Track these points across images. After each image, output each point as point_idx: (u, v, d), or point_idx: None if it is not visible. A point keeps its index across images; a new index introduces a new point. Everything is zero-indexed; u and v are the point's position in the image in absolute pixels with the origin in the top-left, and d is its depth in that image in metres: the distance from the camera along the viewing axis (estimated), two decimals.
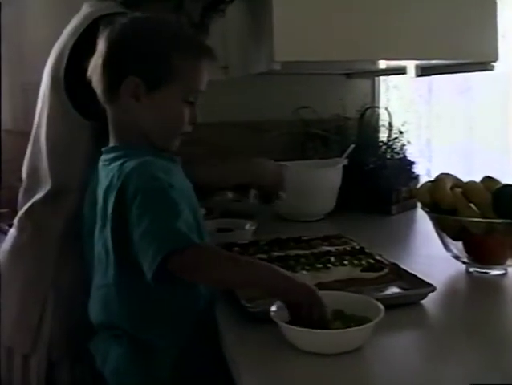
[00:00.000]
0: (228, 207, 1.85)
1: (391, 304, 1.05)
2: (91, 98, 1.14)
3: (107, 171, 1.11)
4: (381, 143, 2.08)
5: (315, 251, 1.39)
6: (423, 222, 1.91)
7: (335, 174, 1.90)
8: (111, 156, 1.14)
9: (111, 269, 1.09)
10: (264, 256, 1.36)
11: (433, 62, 1.79)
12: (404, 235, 1.83)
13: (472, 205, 1.30)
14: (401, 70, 2.04)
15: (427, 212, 1.35)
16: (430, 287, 1.16)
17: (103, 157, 1.16)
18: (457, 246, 1.35)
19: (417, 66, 1.94)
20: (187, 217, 1.02)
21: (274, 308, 1.00)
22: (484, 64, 1.62)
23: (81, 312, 1.18)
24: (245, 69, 1.77)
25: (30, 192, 1.33)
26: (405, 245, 1.69)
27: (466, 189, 1.32)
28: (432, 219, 1.35)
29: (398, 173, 1.96)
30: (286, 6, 1.44)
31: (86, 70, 1.13)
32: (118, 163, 1.09)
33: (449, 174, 1.37)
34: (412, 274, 1.23)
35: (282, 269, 1.02)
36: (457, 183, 1.37)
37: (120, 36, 1.11)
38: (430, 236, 1.64)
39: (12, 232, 1.35)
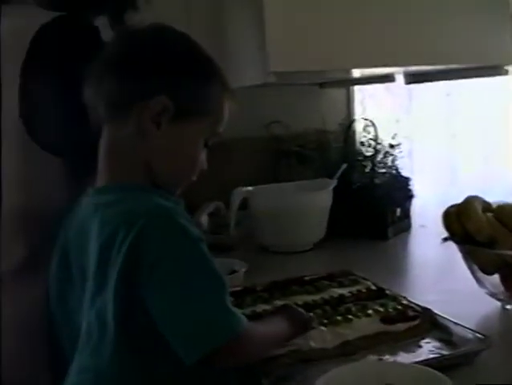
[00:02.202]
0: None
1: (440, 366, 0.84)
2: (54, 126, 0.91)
3: (103, 219, 0.85)
4: (368, 159, 1.87)
5: (326, 296, 1.19)
6: (422, 246, 1.73)
7: (326, 197, 1.67)
8: (103, 198, 0.88)
9: (107, 346, 0.83)
10: (267, 306, 1.15)
11: (427, 68, 1.60)
12: (410, 264, 1.63)
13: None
14: (386, 78, 1.84)
15: (458, 245, 1.14)
16: (485, 340, 0.95)
17: (90, 200, 0.90)
18: (492, 281, 1.15)
19: (406, 73, 1.76)
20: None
21: None
22: (496, 68, 1.42)
23: None
24: None
25: None
26: (417, 278, 1.46)
27: (502, 214, 1.12)
28: (466, 252, 1.14)
29: (392, 192, 1.76)
30: (279, 9, 1.22)
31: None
32: (120, 208, 0.84)
33: (477, 196, 1.17)
34: (449, 320, 1.04)
35: (281, 317, 0.98)
36: (487, 206, 1.17)
37: (154, 44, 0.90)
38: (442, 264, 1.46)
39: None
